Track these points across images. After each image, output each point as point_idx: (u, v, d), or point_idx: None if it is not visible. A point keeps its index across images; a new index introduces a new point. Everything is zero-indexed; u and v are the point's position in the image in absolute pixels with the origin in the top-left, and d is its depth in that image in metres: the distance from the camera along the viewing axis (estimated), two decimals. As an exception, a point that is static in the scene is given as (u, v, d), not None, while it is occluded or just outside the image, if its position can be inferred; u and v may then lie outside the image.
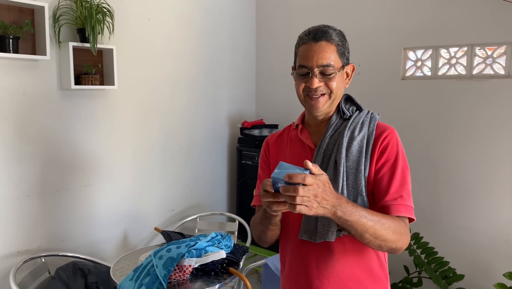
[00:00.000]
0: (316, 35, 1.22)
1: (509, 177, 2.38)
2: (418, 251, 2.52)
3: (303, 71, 1.24)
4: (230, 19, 3.22)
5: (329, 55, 1.21)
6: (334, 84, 1.22)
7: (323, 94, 1.23)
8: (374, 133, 1.24)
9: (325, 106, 1.25)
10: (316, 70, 1.21)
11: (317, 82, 1.21)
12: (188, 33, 2.92)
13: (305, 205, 0.96)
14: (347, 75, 1.30)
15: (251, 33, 3.42)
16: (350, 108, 1.31)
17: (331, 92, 1.23)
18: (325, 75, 1.22)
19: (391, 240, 1.11)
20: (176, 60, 2.85)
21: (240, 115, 3.38)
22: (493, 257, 2.45)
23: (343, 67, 1.25)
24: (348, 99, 1.34)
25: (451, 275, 2.43)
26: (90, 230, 2.48)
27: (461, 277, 2.40)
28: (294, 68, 1.30)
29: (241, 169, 3.22)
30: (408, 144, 2.61)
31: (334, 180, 1.18)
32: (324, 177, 1.00)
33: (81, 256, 2.33)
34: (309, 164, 0.98)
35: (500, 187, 2.41)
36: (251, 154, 3.13)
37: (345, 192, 1.18)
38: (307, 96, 1.25)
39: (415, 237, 2.54)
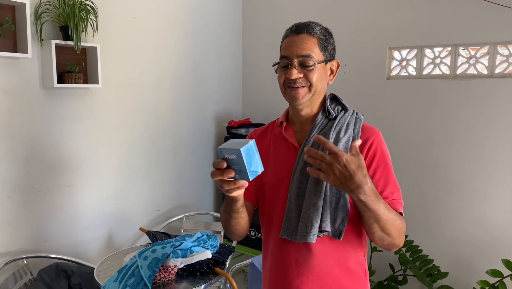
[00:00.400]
0: (298, 27, 1.24)
1: (491, 176, 2.41)
2: (403, 249, 2.54)
3: (283, 62, 1.24)
4: (217, 18, 3.20)
5: (309, 46, 1.22)
6: (314, 76, 1.22)
7: (302, 87, 1.23)
8: (359, 135, 1.24)
9: (305, 99, 1.24)
10: (295, 61, 1.21)
11: (296, 73, 1.21)
12: (174, 31, 2.89)
13: (325, 172, 1.04)
14: (332, 71, 1.29)
15: (237, 32, 3.41)
16: (336, 108, 1.30)
17: (311, 85, 1.23)
18: (305, 67, 1.22)
19: (394, 236, 1.16)
20: (161, 59, 2.83)
21: (227, 115, 3.37)
22: (476, 255, 2.48)
23: (325, 61, 1.25)
24: (333, 98, 1.33)
25: (435, 272, 2.45)
26: (74, 230, 2.44)
27: (445, 274, 2.43)
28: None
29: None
30: (393, 143, 2.62)
31: (318, 180, 1.18)
32: (356, 159, 1.03)
33: (64, 257, 2.30)
34: (357, 143, 1.08)
35: (483, 186, 2.44)
36: (237, 153, 3.12)
37: (328, 193, 1.18)
38: (288, 88, 1.25)
39: (400, 235, 2.56)
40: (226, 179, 1.03)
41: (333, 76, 1.30)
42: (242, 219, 1.25)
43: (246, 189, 1.11)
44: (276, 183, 1.29)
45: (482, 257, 2.45)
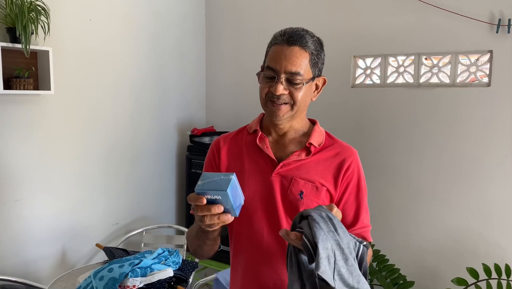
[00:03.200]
0: (291, 38, 1.13)
1: (455, 183, 2.43)
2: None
3: (269, 74, 1.14)
4: (178, 22, 3.09)
5: (300, 62, 1.12)
6: (299, 95, 1.14)
7: (285, 104, 1.15)
8: (338, 155, 1.22)
9: (285, 116, 1.17)
10: (283, 76, 1.12)
11: (281, 90, 1.12)
12: (133, 35, 2.76)
13: None
14: (317, 87, 1.22)
15: (200, 37, 3.31)
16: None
17: (294, 103, 1.15)
18: (292, 84, 1.13)
19: None
20: (119, 64, 2.69)
21: (190, 122, 3.26)
22: (441, 263, 2.49)
23: (313, 78, 1.17)
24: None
25: (402, 282, 2.44)
26: (23, 248, 2.25)
27: (412, 283, 2.42)
28: (263, 68, 1.20)
29: (190, 178, 3.09)
30: (358, 150, 2.61)
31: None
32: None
33: (11, 279, 2.11)
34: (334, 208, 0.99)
35: (446, 193, 2.46)
36: (201, 162, 3.01)
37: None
38: (270, 101, 1.16)
39: (367, 245, 2.54)
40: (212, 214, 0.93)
41: (317, 93, 1.23)
42: (216, 245, 1.18)
43: None
44: (250, 198, 1.20)
45: (448, 265, 2.46)
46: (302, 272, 0.99)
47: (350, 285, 0.93)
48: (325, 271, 0.90)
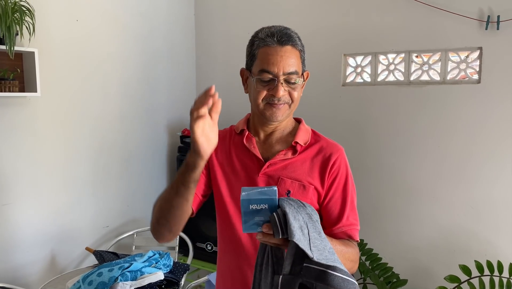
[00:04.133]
0: (282, 38, 1.12)
1: (446, 181, 2.43)
2: (363, 258, 2.51)
3: (266, 77, 1.12)
4: (168, 22, 3.06)
5: (294, 61, 1.13)
6: (296, 93, 1.15)
7: (284, 103, 1.15)
8: (324, 152, 1.21)
9: (284, 116, 1.17)
10: (282, 78, 1.12)
11: (282, 91, 1.12)
12: (121, 36, 2.73)
13: None
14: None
15: (190, 37, 3.28)
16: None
17: (292, 102, 1.16)
18: (290, 83, 1.13)
19: (347, 268, 1.07)
20: (107, 64, 2.65)
21: (180, 123, 3.23)
22: (434, 261, 2.49)
23: (302, 74, 1.18)
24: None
25: (395, 280, 2.43)
26: (11, 253, 2.21)
27: (405, 282, 2.41)
28: (248, 70, 1.18)
29: (181, 179, 3.06)
30: (349, 149, 2.59)
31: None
32: None
33: (-1, 285, 2.08)
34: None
35: (437, 191, 2.46)
36: (192, 163, 2.99)
37: None
38: (268, 104, 1.14)
39: (360, 244, 2.53)
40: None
41: (302, 88, 1.22)
42: (187, 202, 1.06)
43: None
44: (236, 198, 1.19)
45: (440, 263, 2.46)
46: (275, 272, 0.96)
47: (327, 258, 0.90)
48: (300, 239, 0.87)
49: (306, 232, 0.90)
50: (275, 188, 0.94)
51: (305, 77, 1.22)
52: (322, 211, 1.20)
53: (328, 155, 1.19)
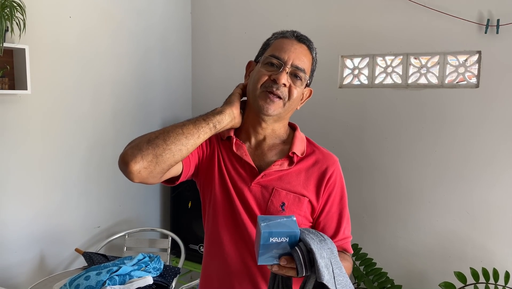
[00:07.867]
0: (301, 37, 1.14)
1: (441, 186, 2.40)
2: (357, 263, 2.48)
3: (273, 61, 1.10)
4: (163, 20, 3.01)
5: (306, 61, 1.12)
6: (295, 92, 1.11)
7: (280, 98, 1.10)
8: (320, 164, 1.18)
9: (276, 112, 1.11)
10: (289, 68, 1.09)
11: (285, 79, 1.09)
12: (116, 33, 2.68)
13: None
14: (303, 97, 1.19)
15: (186, 35, 3.23)
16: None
17: (288, 99, 1.11)
18: (294, 77, 1.11)
19: None
20: (100, 62, 2.60)
21: (175, 122, 3.18)
22: (428, 267, 2.46)
23: (307, 85, 1.16)
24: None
25: (389, 285, 2.40)
26: (-2, 254, 2.17)
27: (399, 287, 2.38)
28: (255, 62, 1.18)
29: (175, 179, 3.02)
30: (345, 152, 2.56)
31: None
32: None
33: (-15, 286, 2.03)
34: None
35: (433, 196, 2.42)
36: (186, 163, 2.95)
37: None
38: (265, 93, 1.09)
39: (354, 248, 2.50)
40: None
41: (302, 103, 1.20)
42: (197, 138, 1.05)
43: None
44: (230, 208, 1.16)
45: (435, 269, 2.43)
46: None
47: None
48: (328, 281, 0.88)
49: (331, 270, 0.90)
50: (294, 218, 0.91)
51: (307, 93, 1.20)
52: (317, 224, 1.16)
53: (324, 168, 1.15)
